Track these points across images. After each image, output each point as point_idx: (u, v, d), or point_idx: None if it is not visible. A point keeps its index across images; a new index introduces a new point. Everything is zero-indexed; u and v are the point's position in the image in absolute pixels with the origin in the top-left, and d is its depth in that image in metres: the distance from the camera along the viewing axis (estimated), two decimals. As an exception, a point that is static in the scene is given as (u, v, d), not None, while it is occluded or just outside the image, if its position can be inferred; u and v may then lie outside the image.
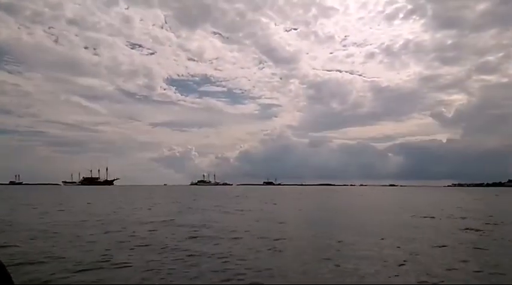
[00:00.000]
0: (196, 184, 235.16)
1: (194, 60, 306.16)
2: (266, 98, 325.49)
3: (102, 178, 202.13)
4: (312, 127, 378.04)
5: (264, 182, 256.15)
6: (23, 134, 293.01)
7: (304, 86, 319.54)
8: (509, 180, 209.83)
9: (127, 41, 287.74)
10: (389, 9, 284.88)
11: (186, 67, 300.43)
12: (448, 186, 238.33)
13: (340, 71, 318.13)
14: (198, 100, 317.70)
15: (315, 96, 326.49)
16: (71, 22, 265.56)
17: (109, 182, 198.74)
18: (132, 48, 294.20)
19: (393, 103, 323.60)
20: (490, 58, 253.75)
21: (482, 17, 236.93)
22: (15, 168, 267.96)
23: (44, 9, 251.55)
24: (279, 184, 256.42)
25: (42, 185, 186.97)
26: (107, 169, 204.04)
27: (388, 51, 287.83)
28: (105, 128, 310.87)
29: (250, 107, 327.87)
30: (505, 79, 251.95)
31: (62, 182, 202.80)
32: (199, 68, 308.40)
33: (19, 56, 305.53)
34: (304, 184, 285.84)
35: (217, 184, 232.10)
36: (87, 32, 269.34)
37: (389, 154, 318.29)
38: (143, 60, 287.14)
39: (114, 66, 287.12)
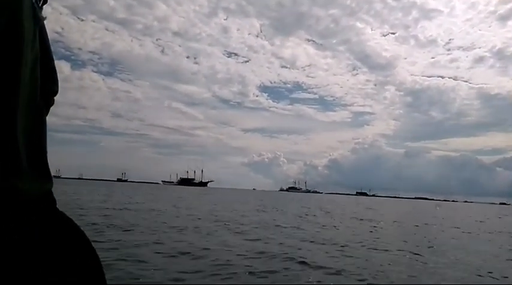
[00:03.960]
0: (286, 190, 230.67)
1: (287, 67, 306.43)
2: (358, 105, 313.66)
3: (198, 180, 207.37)
4: (408, 137, 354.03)
5: (356, 193, 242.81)
6: (131, 136, 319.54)
7: (401, 93, 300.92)
8: None
9: (224, 50, 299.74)
10: (502, 9, 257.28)
11: (279, 74, 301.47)
12: None
13: (443, 77, 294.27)
14: (289, 106, 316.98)
15: (413, 104, 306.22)
16: (176, 34, 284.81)
17: (203, 184, 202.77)
18: (228, 57, 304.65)
19: (505, 112, 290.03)
20: None
21: None
22: (122, 166, 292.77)
23: (153, 22, 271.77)
24: (373, 195, 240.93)
25: (144, 183, 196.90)
26: (202, 171, 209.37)
27: (500, 54, 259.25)
28: (201, 132, 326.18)
29: (341, 114, 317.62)
30: None
31: (162, 181, 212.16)
32: (291, 75, 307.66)
33: (130, 65, 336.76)
34: (398, 196, 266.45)
35: (308, 191, 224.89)
36: (189, 42, 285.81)
37: (498, 169, 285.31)
38: (238, 68, 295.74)
39: (212, 74, 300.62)
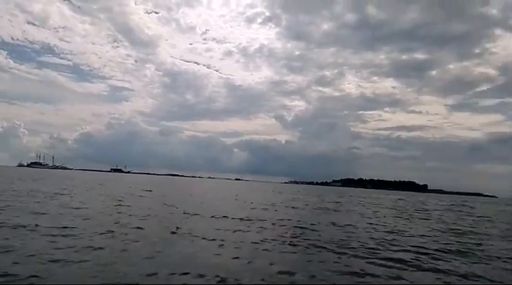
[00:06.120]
0: (28, 166, 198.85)
1: (35, 25, 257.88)
2: (117, 80, 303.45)
3: None
4: (164, 116, 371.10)
5: (111, 169, 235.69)
6: None
7: (160, 73, 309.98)
8: (333, 180, 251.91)
9: None
10: (249, 12, 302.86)
11: (24, 31, 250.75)
12: (285, 183, 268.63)
13: (198, 64, 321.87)
14: (35, 70, 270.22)
15: (171, 85, 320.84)
16: None
17: None
18: None
19: (244, 101, 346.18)
20: (327, 73, 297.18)
21: (325, 35, 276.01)
22: None
23: None
24: (129, 172, 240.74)
25: None
26: None
27: (244, 51, 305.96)
28: None
29: (98, 87, 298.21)
30: (336, 93, 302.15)
31: None
32: (41, 35, 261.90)
33: None
34: (152, 173, 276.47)
35: (55, 167, 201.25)
36: None
37: (236, 150, 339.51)
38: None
39: None
